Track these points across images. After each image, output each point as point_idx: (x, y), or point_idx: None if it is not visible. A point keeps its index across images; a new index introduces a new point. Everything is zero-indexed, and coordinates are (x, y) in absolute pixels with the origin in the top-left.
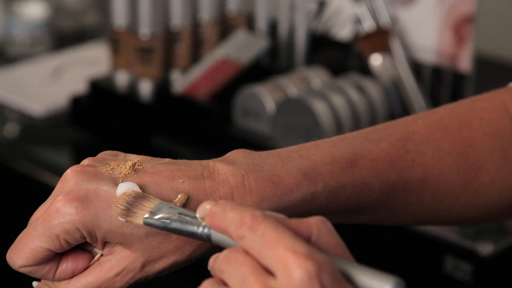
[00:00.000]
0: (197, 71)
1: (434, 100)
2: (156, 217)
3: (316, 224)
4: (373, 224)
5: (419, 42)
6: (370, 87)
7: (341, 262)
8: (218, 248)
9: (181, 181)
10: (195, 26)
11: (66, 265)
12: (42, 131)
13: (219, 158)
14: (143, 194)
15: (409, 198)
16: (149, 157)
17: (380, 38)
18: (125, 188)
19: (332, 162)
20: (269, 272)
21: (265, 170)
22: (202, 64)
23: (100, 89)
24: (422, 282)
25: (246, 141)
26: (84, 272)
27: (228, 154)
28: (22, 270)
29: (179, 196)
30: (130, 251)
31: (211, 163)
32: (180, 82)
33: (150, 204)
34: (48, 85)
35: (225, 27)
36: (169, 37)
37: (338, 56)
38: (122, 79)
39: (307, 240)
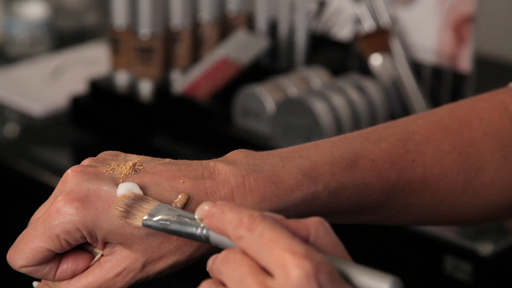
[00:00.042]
0: (197, 71)
1: (434, 100)
2: (155, 219)
3: (314, 225)
4: (373, 224)
5: (419, 42)
6: (370, 87)
7: (338, 261)
8: (218, 248)
9: (181, 181)
10: (195, 26)
11: (67, 265)
12: (42, 131)
13: (219, 158)
14: (142, 196)
15: (409, 198)
16: (149, 157)
17: (380, 38)
18: (126, 188)
19: (333, 162)
20: (267, 272)
21: (266, 170)
22: (202, 64)
23: (100, 89)
24: (422, 282)
25: (246, 141)
26: (84, 272)
27: (228, 154)
28: (23, 270)
29: (180, 196)
30: (130, 251)
31: (212, 163)
32: (180, 82)
33: (149, 206)
34: (48, 85)
35: (225, 27)
36: (169, 37)
37: (338, 56)
38: (122, 79)
39: (305, 240)
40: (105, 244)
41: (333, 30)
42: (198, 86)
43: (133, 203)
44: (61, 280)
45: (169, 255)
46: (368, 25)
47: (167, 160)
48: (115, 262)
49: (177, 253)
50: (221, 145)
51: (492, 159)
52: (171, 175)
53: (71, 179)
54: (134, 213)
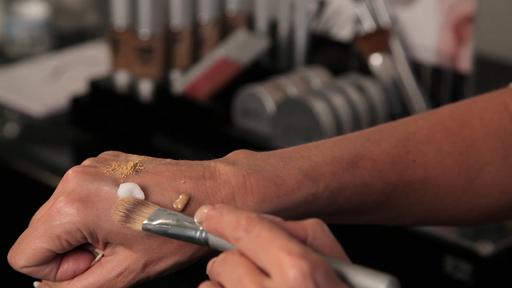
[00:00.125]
0: (197, 71)
1: (434, 100)
2: (155, 223)
3: (312, 226)
4: (373, 225)
5: (419, 42)
6: (370, 87)
7: (335, 262)
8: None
9: (182, 181)
10: (195, 26)
11: (67, 266)
12: (42, 131)
13: (220, 159)
14: (142, 200)
15: (410, 199)
16: (150, 157)
17: (380, 38)
18: (127, 188)
19: (333, 163)
20: (264, 272)
21: (267, 171)
22: (202, 64)
23: (100, 89)
24: (422, 282)
25: (246, 141)
26: (85, 273)
27: (229, 154)
28: (24, 270)
29: (180, 196)
30: (131, 251)
31: (212, 163)
32: (180, 82)
33: (149, 210)
34: (48, 85)
35: (225, 27)
36: (169, 37)
37: (338, 56)
38: (122, 79)
39: (303, 242)
40: (106, 244)
41: (333, 30)
42: (198, 86)
43: (133, 207)
44: (62, 280)
45: (170, 255)
46: (368, 25)
47: (168, 160)
48: (116, 262)
49: (178, 253)
50: (221, 145)
51: (493, 159)
52: (172, 175)
53: (72, 179)
54: (134, 217)
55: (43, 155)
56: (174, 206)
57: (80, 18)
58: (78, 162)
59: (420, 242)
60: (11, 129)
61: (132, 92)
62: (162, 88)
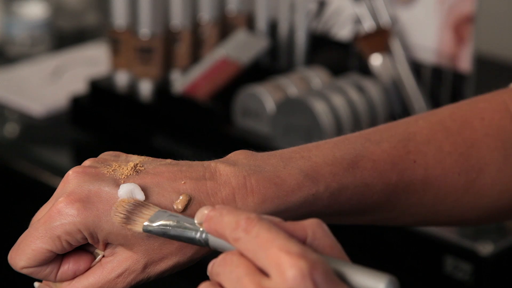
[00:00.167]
0: (197, 71)
1: (434, 100)
2: (155, 224)
3: (311, 226)
4: (374, 225)
5: (419, 42)
6: (370, 87)
7: (335, 262)
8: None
9: (182, 182)
10: (195, 26)
11: (68, 266)
12: (42, 131)
13: (220, 159)
14: (142, 202)
15: (411, 199)
16: (150, 158)
17: (380, 38)
18: (127, 189)
19: (334, 163)
20: (263, 272)
21: (267, 171)
22: (202, 64)
23: (100, 89)
24: (422, 282)
25: (246, 141)
26: (85, 273)
27: (229, 155)
28: (24, 271)
29: (181, 197)
30: (131, 252)
31: (213, 164)
32: (180, 82)
33: (150, 211)
34: (48, 85)
35: (225, 27)
36: (169, 37)
37: (338, 56)
38: (122, 79)
39: (302, 242)
40: (106, 245)
41: (333, 30)
42: (198, 86)
43: (134, 209)
44: (62, 281)
45: (170, 256)
46: (368, 25)
47: (168, 160)
48: (116, 263)
49: (178, 254)
50: (221, 145)
51: (493, 159)
52: (172, 176)
53: (73, 180)
54: (135, 219)
55: (43, 155)
56: (175, 206)
57: (80, 18)
58: (78, 162)
59: (420, 242)
60: (11, 129)
61: (132, 92)
62: (162, 88)
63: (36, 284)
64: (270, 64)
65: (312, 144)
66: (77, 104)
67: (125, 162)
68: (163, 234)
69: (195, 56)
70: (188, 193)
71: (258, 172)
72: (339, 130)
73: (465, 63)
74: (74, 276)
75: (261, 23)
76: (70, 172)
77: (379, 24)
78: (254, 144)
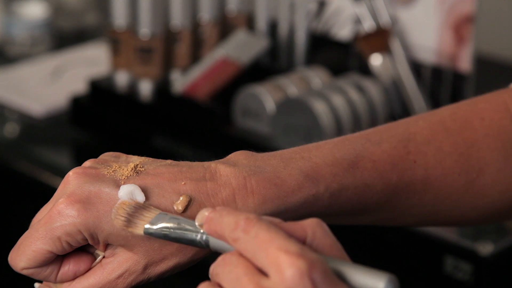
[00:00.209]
0: (197, 71)
1: (434, 100)
2: (156, 226)
3: (311, 226)
4: (374, 225)
5: (419, 42)
6: (370, 87)
7: (334, 261)
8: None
9: (183, 183)
10: (195, 26)
11: (68, 267)
12: (42, 131)
13: (221, 160)
14: (143, 204)
15: (411, 199)
16: (151, 158)
17: (380, 38)
18: (127, 190)
19: (334, 164)
20: (262, 272)
21: (267, 172)
22: (202, 64)
23: (100, 89)
24: (422, 282)
25: (246, 141)
26: (86, 274)
27: (230, 155)
28: (24, 272)
29: (181, 198)
30: (132, 253)
31: (213, 164)
32: (180, 82)
33: (151, 214)
34: (48, 85)
35: (225, 27)
36: (169, 37)
37: (338, 56)
38: (122, 79)
39: (302, 242)
40: (106, 246)
41: (333, 30)
42: (198, 86)
43: (135, 211)
44: (62, 281)
45: (171, 257)
46: (368, 25)
47: (169, 161)
48: (117, 264)
49: (179, 255)
50: (221, 145)
51: (493, 159)
52: (172, 177)
53: (73, 181)
54: (136, 221)
55: (43, 155)
56: (175, 207)
57: (80, 18)
58: (78, 162)
59: (420, 242)
60: (11, 129)
61: (132, 92)
62: (162, 88)
63: (36, 285)
64: (270, 64)
65: (312, 145)
66: (77, 104)
67: (125, 163)
68: (164, 237)
69: (195, 56)
70: (188, 194)
71: (258, 173)
72: (339, 130)
73: (465, 63)
74: (74, 277)
75: (261, 23)
76: (70, 173)
77: (379, 24)
78: (254, 144)
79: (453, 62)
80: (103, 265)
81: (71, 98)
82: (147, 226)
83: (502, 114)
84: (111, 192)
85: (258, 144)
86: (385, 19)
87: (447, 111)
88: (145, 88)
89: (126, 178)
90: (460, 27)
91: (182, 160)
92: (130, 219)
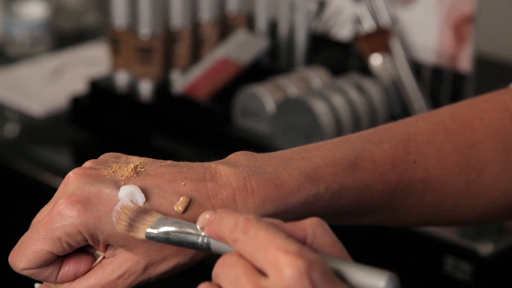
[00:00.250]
0: (197, 71)
1: (434, 100)
2: (157, 230)
3: (311, 226)
4: (374, 225)
5: (419, 42)
6: (370, 87)
7: (334, 260)
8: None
9: (183, 183)
10: (195, 26)
11: (68, 268)
12: (42, 131)
13: (221, 160)
14: (145, 209)
15: (411, 200)
16: (151, 159)
17: (380, 38)
18: (127, 191)
19: (334, 164)
20: (262, 272)
21: (267, 173)
22: (202, 64)
23: (100, 89)
24: (422, 282)
25: (246, 141)
26: (86, 275)
27: (230, 156)
28: (24, 272)
29: (181, 199)
30: (132, 253)
31: (213, 165)
32: (180, 82)
33: (152, 218)
34: (48, 85)
35: (225, 27)
36: (169, 37)
37: (338, 56)
38: (122, 79)
39: (303, 242)
40: (106, 246)
41: (333, 30)
42: (198, 86)
43: (136, 216)
44: (62, 282)
45: (171, 257)
46: (368, 25)
47: (169, 162)
48: (117, 264)
49: (179, 255)
50: (221, 145)
51: (494, 159)
52: (172, 177)
53: (73, 181)
54: (137, 226)
55: (43, 155)
56: (175, 208)
57: (80, 18)
58: (78, 162)
59: (420, 242)
60: (11, 129)
61: (132, 92)
62: (162, 88)
63: (36, 285)
64: (270, 64)
65: (313, 145)
66: (77, 104)
67: (125, 164)
68: (165, 240)
69: (195, 56)
70: (188, 195)
71: (259, 173)
72: (339, 130)
73: (465, 63)
74: (74, 278)
75: (261, 23)
76: (70, 173)
77: (379, 24)
78: (254, 144)
79: (453, 62)
80: (103, 265)
81: (71, 98)
82: (148, 230)
83: (502, 114)
84: (111, 192)
85: (258, 144)
86: (385, 19)
87: (447, 111)
88: (145, 88)
89: (126, 178)
90: (460, 27)
91: (182, 160)
92: (132, 223)
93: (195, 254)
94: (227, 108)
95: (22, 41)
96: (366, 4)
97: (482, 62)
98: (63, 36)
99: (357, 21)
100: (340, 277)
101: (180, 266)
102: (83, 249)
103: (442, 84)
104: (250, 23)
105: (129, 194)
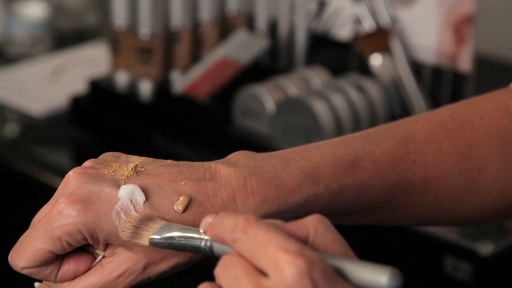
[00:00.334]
0: (197, 71)
1: (434, 100)
2: (160, 236)
3: (313, 223)
4: (374, 225)
5: (419, 42)
6: (370, 87)
7: (335, 258)
8: None
9: (183, 183)
10: (195, 26)
11: (68, 267)
12: (42, 131)
13: (221, 160)
14: (149, 216)
15: (411, 199)
16: (151, 158)
17: (380, 38)
18: (127, 190)
19: (334, 164)
20: (262, 272)
21: (267, 172)
22: (202, 64)
23: (100, 89)
24: (422, 282)
25: (246, 141)
26: (86, 274)
27: (230, 155)
28: (24, 271)
29: (181, 198)
30: (132, 253)
31: (213, 165)
32: (180, 82)
33: (156, 225)
34: (48, 85)
35: (225, 27)
36: (169, 37)
37: (338, 56)
38: (122, 79)
39: (305, 240)
40: (106, 245)
41: (333, 30)
42: (198, 86)
43: (140, 223)
44: (62, 281)
45: (170, 257)
46: (368, 25)
47: (169, 161)
48: (117, 263)
49: (178, 255)
50: (221, 145)
51: (493, 159)
52: (172, 177)
53: (73, 180)
54: (141, 232)
55: (43, 155)
56: (175, 207)
57: (80, 18)
58: (78, 162)
59: (420, 242)
60: (11, 129)
61: (132, 92)
62: (162, 88)
63: (36, 284)
64: (270, 64)
65: (312, 145)
66: (77, 104)
67: (125, 163)
68: (168, 246)
69: (195, 56)
70: (188, 194)
71: (258, 173)
72: (339, 130)
73: (465, 63)
74: (74, 277)
75: (261, 23)
76: (70, 173)
77: (379, 24)
78: (254, 144)
79: (453, 62)
80: (103, 264)
81: (71, 98)
82: (152, 236)
83: (502, 114)
84: (111, 192)
85: (258, 144)
86: (385, 19)
87: (447, 111)
88: (145, 88)
89: (126, 178)
90: (460, 27)
91: (182, 160)
92: (136, 230)
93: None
94: (227, 108)
95: (22, 41)
96: (366, 4)
97: (482, 62)
98: (63, 36)
99: (357, 21)
100: (341, 274)
101: (180, 265)
102: (83, 248)
103: (442, 84)
104: (250, 23)
105: (129, 193)
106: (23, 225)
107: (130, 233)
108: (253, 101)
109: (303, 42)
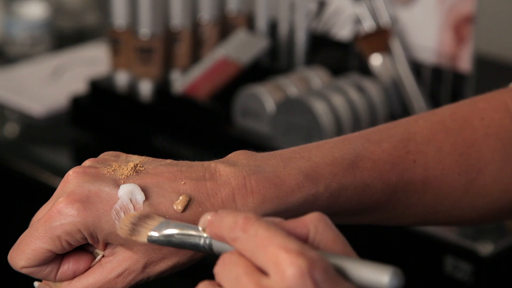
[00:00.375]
0: (197, 71)
1: (434, 100)
2: (159, 233)
3: (313, 221)
4: (374, 225)
5: (419, 42)
6: (370, 87)
7: (336, 257)
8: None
9: (182, 182)
10: (195, 26)
11: (68, 266)
12: (42, 131)
13: (220, 160)
14: (148, 213)
15: (410, 199)
16: (150, 158)
17: (380, 38)
18: (127, 189)
19: (334, 163)
20: (262, 271)
21: (267, 172)
22: (202, 64)
23: (100, 89)
24: (422, 282)
25: (246, 141)
26: (85, 273)
27: (229, 155)
28: (24, 271)
29: (181, 197)
30: (131, 252)
31: (213, 164)
32: (180, 82)
33: (154, 222)
34: (48, 85)
35: (225, 27)
36: (169, 37)
37: (338, 56)
38: (122, 79)
39: (305, 238)
40: (106, 245)
41: (333, 30)
42: (198, 86)
43: (138, 220)
44: (62, 280)
45: (170, 256)
46: (368, 25)
47: (168, 161)
48: (116, 263)
49: (178, 254)
50: (221, 145)
51: (493, 159)
52: (172, 176)
53: (73, 180)
54: (139, 230)
55: (43, 155)
56: (175, 207)
57: (80, 18)
58: (78, 162)
59: (420, 242)
60: (11, 129)
61: (132, 92)
62: (162, 88)
63: (36, 283)
64: (270, 64)
65: (312, 144)
66: (77, 104)
67: (125, 162)
68: (167, 243)
69: (195, 56)
70: (188, 194)
71: (258, 173)
72: (339, 130)
73: (465, 63)
74: (74, 276)
75: (261, 23)
76: (70, 172)
77: (379, 24)
78: (254, 144)
79: (453, 62)
80: (103, 264)
81: (71, 98)
82: (150, 233)
83: (502, 114)
84: (111, 191)
85: (258, 144)
86: (385, 19)
87: (447, 110)
88: (145, 88)
89: (126, 177)
90: (460, 27)
91: (182, 160)
92: (134, 227)
93: (194, 253)
94: (227, 108)
95: (22, 41)
96: (366, 4)
97: (482, 62)
98: (63, 36)
99: (357, 21)
100: (342, 274)
101: (180, 265)
102: (83, 248)
103: (442, 84)
104: (250, 23)
105: (128, 193)
106: (23, 225)
107: (129, 230)
108: (253, 101)
109: (303, 42)
